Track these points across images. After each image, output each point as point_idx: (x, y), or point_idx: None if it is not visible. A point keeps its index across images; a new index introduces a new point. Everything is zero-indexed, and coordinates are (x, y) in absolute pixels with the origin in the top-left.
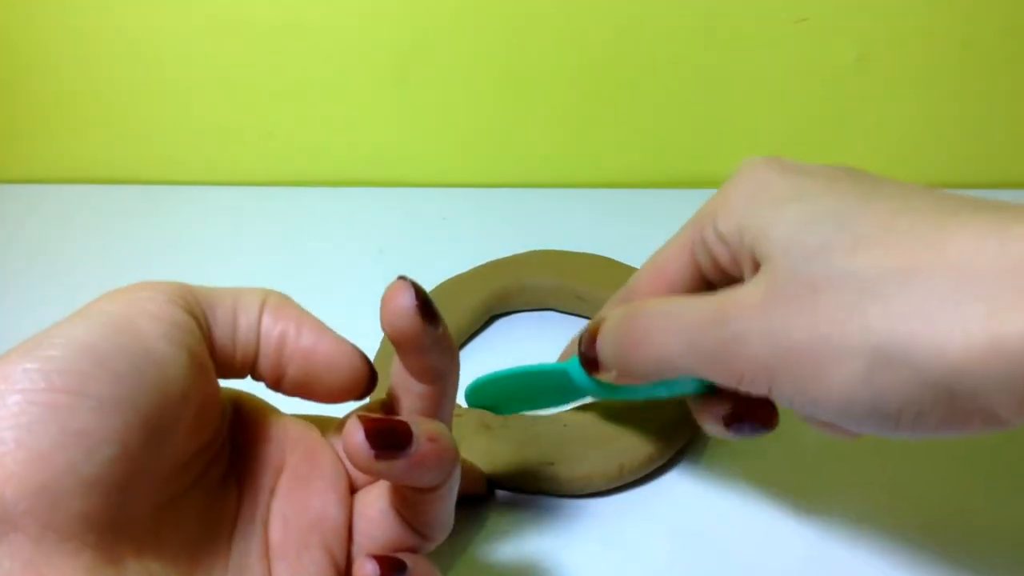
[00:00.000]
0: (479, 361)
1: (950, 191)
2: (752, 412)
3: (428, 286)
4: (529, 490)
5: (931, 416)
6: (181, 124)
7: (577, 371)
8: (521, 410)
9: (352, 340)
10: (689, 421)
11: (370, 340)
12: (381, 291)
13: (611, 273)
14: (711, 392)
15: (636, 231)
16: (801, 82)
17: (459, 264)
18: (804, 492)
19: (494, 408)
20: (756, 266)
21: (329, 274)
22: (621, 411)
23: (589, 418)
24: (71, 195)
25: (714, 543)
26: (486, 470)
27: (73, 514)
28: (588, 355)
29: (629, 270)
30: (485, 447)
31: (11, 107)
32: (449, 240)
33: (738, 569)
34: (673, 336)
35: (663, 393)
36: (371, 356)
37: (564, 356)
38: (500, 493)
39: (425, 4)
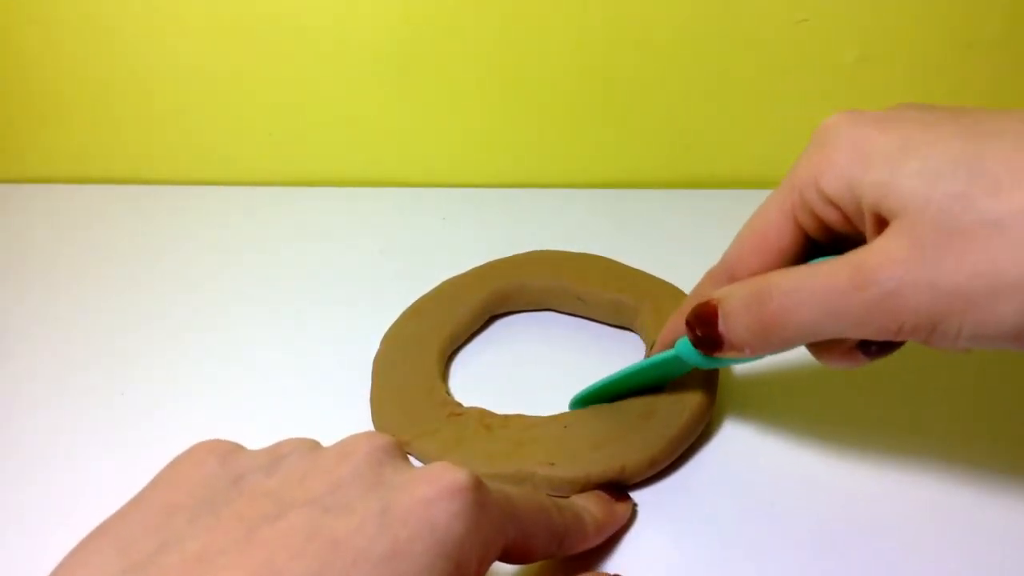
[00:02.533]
0: (479, 361)
1: None
2: None
3: (428, 286)
4: None
5: None
6: (181, 124)
7: (689, 352)
8: (620, 399)
9: (351, 340)
10: (693, 425)
11: (370, 340)
12: (381, 291)
13: (611, 273)
14: None
15: (636, 231)
16: (801, 82)
17: (459, 264)
18: (804, 495)
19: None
20: (879, 223)
21: (329, 274)
22: (623, 413)
23: (590, 419)
24: (71, 195)
25: (716, 546)
26: (486, 470)
27: None
28: (710, 336)
29: (629, 270)
30: (485, 447)
31: (11, 107)
32: (449, 240)
33: (740, 571)
34: (811, 309)
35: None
36: (371, 355)
37: (664, 335)
38: None
39: (425, 4)
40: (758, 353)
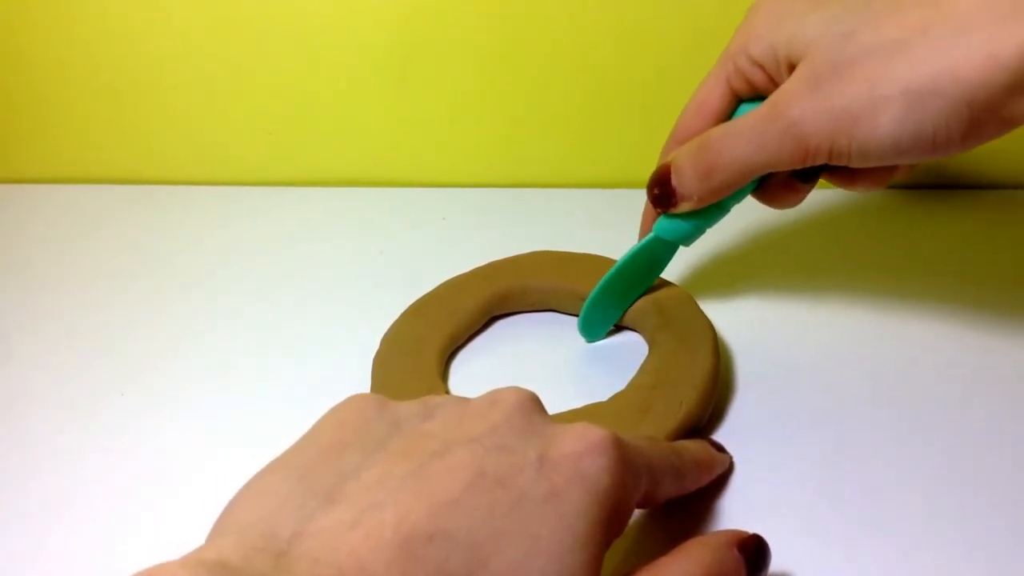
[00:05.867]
0: (479, 362)
1: None
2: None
3: (428, 286)
4: None
5: (956, 132)
6: (181, 124)
7: (664, 228)
8: (624, 308)
9: (351, 340)
10: (691, 421)
11: (369, 340)
12: (381, 291)
13: None
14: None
15: (636, 231)
16: None
17: (459, 264)
18: (807, 494)
19: (604, 325)
20: (791, 70)
21: (329, 274)
22: (620, 416)
23: (587, 417)
24: (71, 195)
25: None
26: None
27: None
28: (665, 192)
29: None
30: None
31: (11, 107)
32: (449, 240)
33: None
34: (743, 145)
35: (733, 203)
36: (371, 355)
37: (642, 226)
38: None
39: (425, 4)
40: (707, 199)
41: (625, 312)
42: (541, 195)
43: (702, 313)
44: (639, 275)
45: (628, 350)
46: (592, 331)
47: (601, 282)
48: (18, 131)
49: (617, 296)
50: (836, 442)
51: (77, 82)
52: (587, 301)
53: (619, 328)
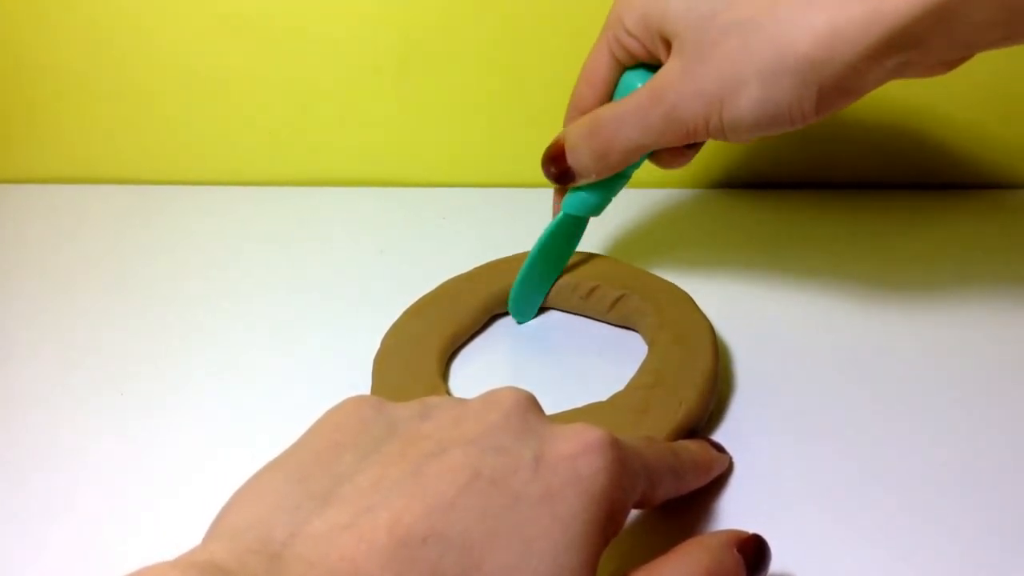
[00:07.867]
0: (480, 361)
1: None
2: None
3: (428, 286)
4: None
5: (808, 107)
6: (181, 124)
7: (572, 204)
8: (548, 287)
9: (351, 340)
10: (690, 421)
11: (369, 339)
12: (381, 291)
13: (612, 272)
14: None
15: (636, 230)
16: None
17: (459, 264)
18: (809, 495)
19: (532, 305)
20: (667, 44)
21: (329, 274)
22: (619, 416)
23: (586, 417)
24: (71, 195)
25: None
26: None
27: None
28: (562, 169)
29: (631, 270)
30: None
31: (11, 107)
32: (449, 240)
33: None
34: (630, 127)
35: (633, 170)
36: (371, 355)
37: (554, 207)
38: None
39: (425, 4)
40: (604, 174)
41: (548, 291)
42: (541, 195)
43: (701, 313)
44: (558, 253)
45: (628, 350)
46: (522, 313)
47: (523, 267)
48: (18, 131)
49: (540, 277)
50: (836, 442)
51: (76, 82)
52: (513, 287)
53: (618, 327)
